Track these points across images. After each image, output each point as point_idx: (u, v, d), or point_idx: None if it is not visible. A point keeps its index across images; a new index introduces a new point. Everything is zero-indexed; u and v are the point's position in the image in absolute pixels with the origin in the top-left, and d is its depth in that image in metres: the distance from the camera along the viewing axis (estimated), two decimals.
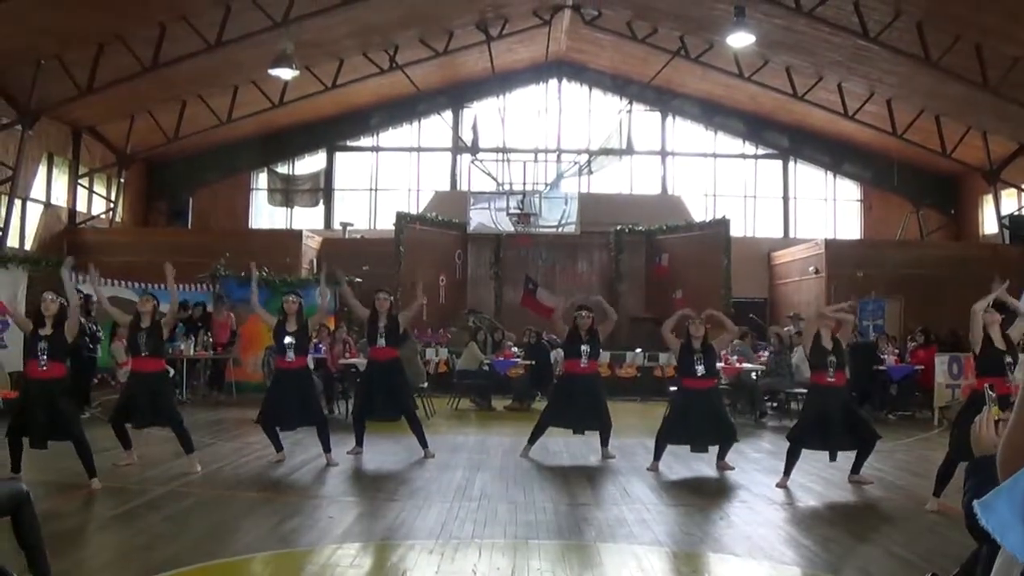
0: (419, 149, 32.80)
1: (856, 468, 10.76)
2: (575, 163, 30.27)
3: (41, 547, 5.68)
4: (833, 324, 11.09)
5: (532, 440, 12.78)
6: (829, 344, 10.79)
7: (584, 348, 12.86)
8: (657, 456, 11.79)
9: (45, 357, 9.59)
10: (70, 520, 8.25)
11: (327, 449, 11.60)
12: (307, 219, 31.44)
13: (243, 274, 21.43)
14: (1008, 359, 9.41)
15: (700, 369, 11.82)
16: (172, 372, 15.51)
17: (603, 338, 13.40)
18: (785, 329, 21.23)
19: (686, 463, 12.03)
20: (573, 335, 13.04)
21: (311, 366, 13.15)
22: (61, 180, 26.14)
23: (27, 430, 9.61)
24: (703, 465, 11.92)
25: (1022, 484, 2.01)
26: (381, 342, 12.38)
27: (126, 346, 11.52)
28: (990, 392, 3.25)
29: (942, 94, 24.16)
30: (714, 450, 11.81)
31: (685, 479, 11.07)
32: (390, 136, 32.87)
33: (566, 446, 13.52)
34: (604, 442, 12.73)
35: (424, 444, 12.41)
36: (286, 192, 31.55)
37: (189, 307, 20.27)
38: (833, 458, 10.93)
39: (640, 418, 18.75)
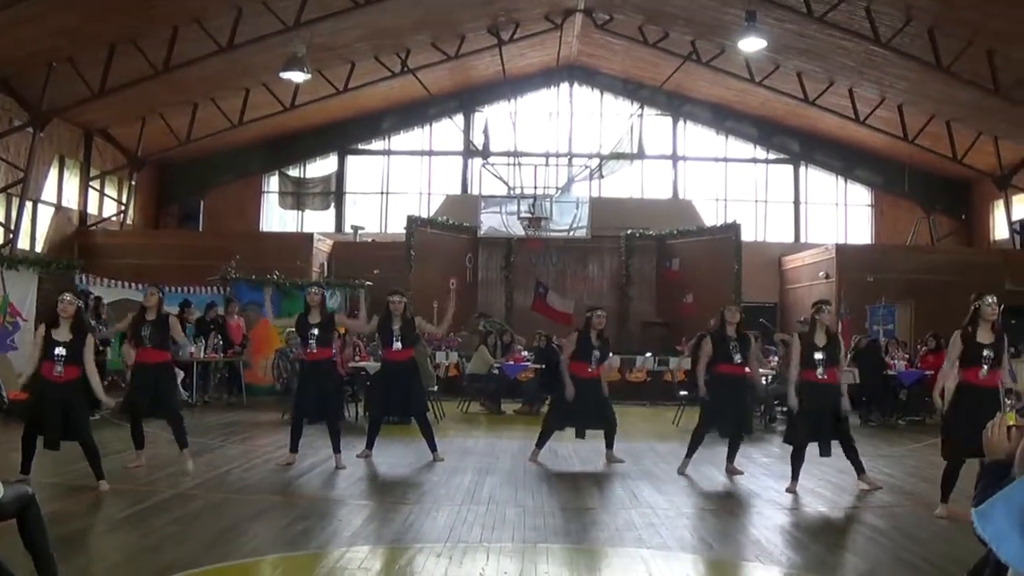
0: (430, 153, 32.80)
1: (857, 469, 10.73)
2: (586, 167, 30.26)
3: (48, 550, 5.68)
4: (830, 320, 11.02)
5: (540, 444, 12.67)
6: (822, 341, 10.71)
7: (596, 353, 12.66)
8: (691, 453, 11.84)
9: (61, 367, 9.56)
10: (78, 522, 8.27)
11: (336, 450, 11.52)
12: (318, 222, 31.44)
13: (254, 278, 21.55)
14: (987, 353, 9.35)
15: (737, 357, 11.78)
16: (183, 375, 15.54)
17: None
18: (794, 335, 21.18)
19: (695, 467, 12.01)
20: (584, 337, 12.79)
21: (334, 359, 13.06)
22: (72, 182, 26.18)
23: (42, 430, 9.61)
24: (712, 470, 11.90)
25: (1018, 495, 2.01)
26: (397, 345, 12.25)
27: (131, 339, 11.48)
28: (1006, 400, 3.25)
29: (953, 99, 24.12)
30: (724, 453, 11.78)
31: (694, 484, 11.04)
32: (401, 140, 32.89)
33: (575, 450, 13.50)
34: (609, 444, 12.65)
35: (433, 448, 12.33)
36: (297, 195, 31.59)
37: (192, 309, 20.21)
38: (826, 453, 10.79)
39: (649, 422, 18.78)
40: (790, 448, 10.67)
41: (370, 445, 12.39)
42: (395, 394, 12.35)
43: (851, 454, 10.66)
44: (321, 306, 11.81)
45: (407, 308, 12.49)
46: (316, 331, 11.55)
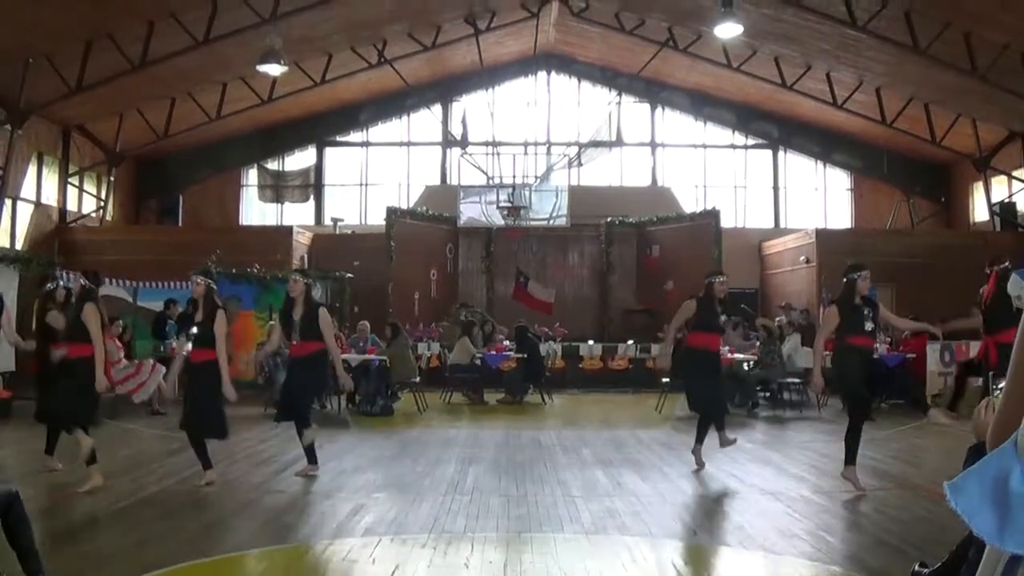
0: (409, 144, 32.71)
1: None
2: (565, 155, 30.22)
3: (32, 546, 5.68)
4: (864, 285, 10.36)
5: (700, 439, 11.34)
6: (864, 306, 10.11)
7: (723, 318, 11.90)
8: (701, 439, 11.31)
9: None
10: (63, 518, 8.26)
11: (309, 459, 10.64)
12: (298, 215, 31.37)
13: (234, 272, 21.51)
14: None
15: (869, 325, 10.31)
16: (164, 370, 15.49)
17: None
18: (777, 320, 21.27)
19: (679, 454, 12.05)
20: (708, 304, 11.49)
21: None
22: (51, 179, 26.03)
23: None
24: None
25: (991, 467, 2.02)
26: (296, 338, 10.69)
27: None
28: (995, 382, 3.27)
29: (931, 82, 24.16)
30: (708, 440, 11.78)
31: (677, 471, 11.06)
32: (379, 131, 32.80)
33: (558, 439, 13.53)
34: (721, 426, 11.57)
35: (312, 460, 10.68)
36: (276, 188, 31.49)
37: (176, 305, 20.14)
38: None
39: (632, 409, 18.86)
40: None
41: (310, 459, 10.68)
42: (285, 393, 11.08)
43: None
44: (304, 296, 10.63)
45: (309, 290, 10.89)
46: (299, 323, 10.53)
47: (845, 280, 10.15)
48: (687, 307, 11.53)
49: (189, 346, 10.21)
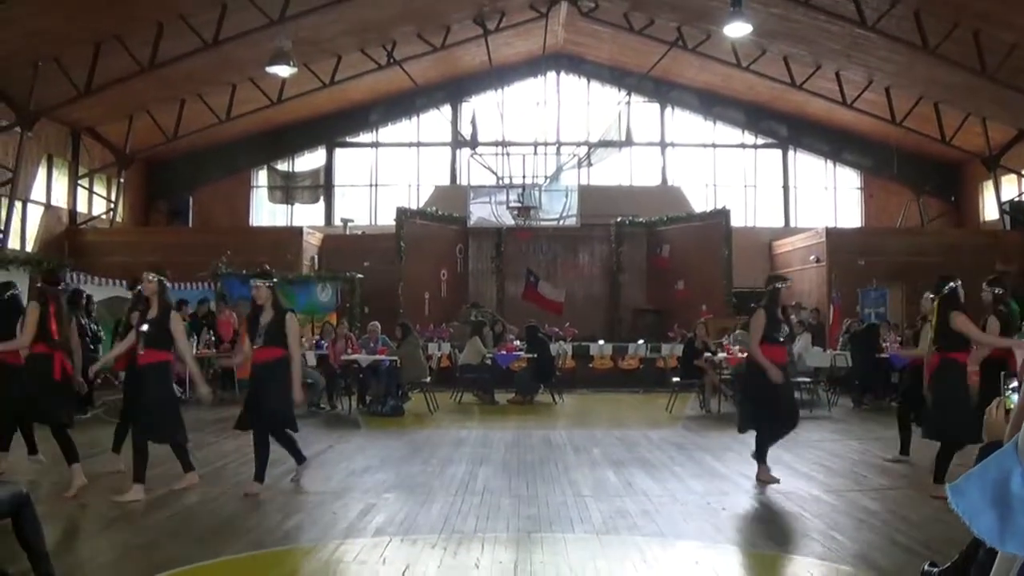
0: (418, 144, 32.77)
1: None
2: (574, 155, 30.21)
3: (43, 548, 5.70)
4: None
5: (762, 456, 10.34)
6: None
7: (785, 328, 10.81)
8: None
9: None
10: (72, 520, 8.28)
11: (298, 460, 10.09)
12: (308, 216, 31.44)
13: (244, 272, 21.53)
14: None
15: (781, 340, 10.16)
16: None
17: None
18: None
19: (689, 454, 12.05)
20: (772, 313, 10.52)
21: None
22: (61, 181, 26.11)
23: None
24: (706, 456, 11.94)
25: (992, 469, 2.02)
26: (259, 341, 9.82)
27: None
28: (1007, 382, 3.27)
29: (940, 81, 24.14)
30: (719, 440, 11.76)
31: (687, 471, 11.04)
32: (389, 132, 32.86)
33: (569, 439, 13.52)
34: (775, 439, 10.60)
35: (261, 472, 9.71)
36: (286, 189, 31.51)
37: (187, 306, 20.18)
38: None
39: (642, 409, 18.84)
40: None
41: (258, 475, 9.68)
42: (252, 402, 9.84)
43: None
44: (271, 302, 9.84)
45: (276, 297, 10.01)
46: (265, 328, 9.75)
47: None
48: (758, 318, 10.37)
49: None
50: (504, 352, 20.81)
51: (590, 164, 30.07)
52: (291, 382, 9.70)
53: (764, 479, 10.03)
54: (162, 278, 9.71)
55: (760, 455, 10.24)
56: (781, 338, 10.57)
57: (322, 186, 31.79)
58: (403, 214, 26.99)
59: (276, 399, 9.65)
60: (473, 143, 29.09)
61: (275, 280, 10.13)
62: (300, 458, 10.03)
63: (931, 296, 10.71)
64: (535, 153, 30.77)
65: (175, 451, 9.62)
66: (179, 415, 9.63)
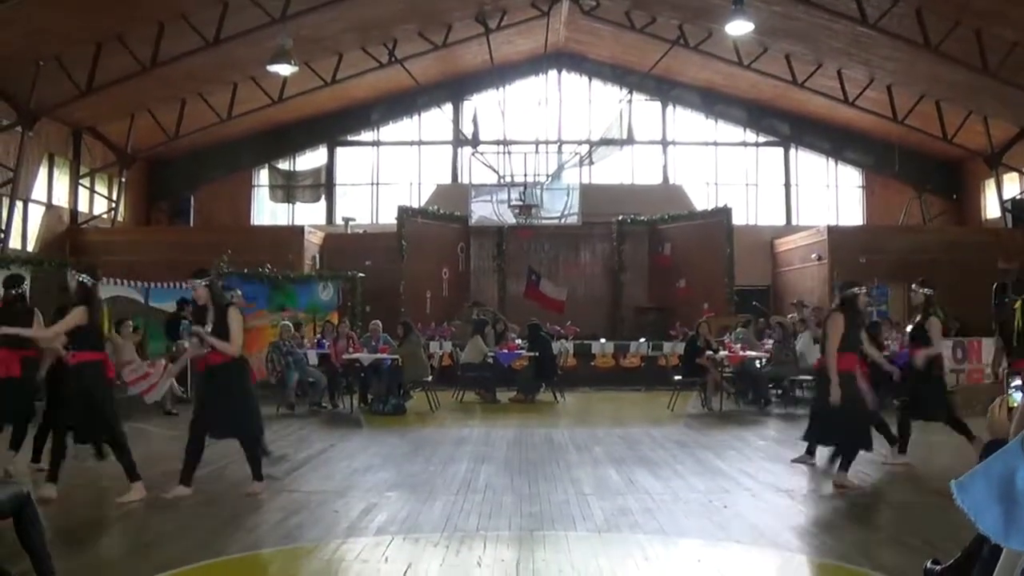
0: (420, 143, 32.74)
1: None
2: (576, 154, 30.21)
3: (44, 548, 5.69)
4: None
5: (846, 466, 9.82)
6: None
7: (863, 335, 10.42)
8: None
9: None
10: (73, 520, 8.27)
11: (256, 476, 9.62)
12: (309, 215, 31.41)
13: (246, 272, 21.55)
14: None
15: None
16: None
17: None
18: (788, 317, 21.24)
19: (691, 451, 12.04)
20: (854, 320, 10.18)
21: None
22: (62, 181, 26.10)
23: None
24: (708, 454, 11.93)
25: (997, 466, 2.02)
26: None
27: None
28: (1010, 380, 3.28)
29: (942, 79, 24.12)
30: (720, 438, 11.75)
31: (689, 468, 11.03)
32: (390, 130, 32.83)
33: (571, 437, 13.52)
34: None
35: (258, 476, 9.64)
36: (288, 188, 31.48)
37: (189, 305, 20.15)
38: None
39: (644, 407, 18.83)
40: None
41: (256, 474, 9.63)
42: (209, 408, 9.56)
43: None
44: (211, 300, 9.54)
45: (218, 296, 9.72)
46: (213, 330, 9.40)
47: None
48: (837, 323, 9.98)
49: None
50: (506, 351, 20.80)
51: (591, 162, 30.07)
52: (248, 385, 9.67)
53: (843, 484, 9.61)
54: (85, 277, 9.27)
55: (843, 463, 9.82)
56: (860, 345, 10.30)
57: (323, 185, 31.77)
58: (404, 213, 26.99)
59: (236, 406, 9.49)
60: (474, 141, 29.09)
61: (211, 278, 9.77)
62: (259, 475, 9.61)
63: (922, 291, 11.53)
64: (536, 151, 30.77)
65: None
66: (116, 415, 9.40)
